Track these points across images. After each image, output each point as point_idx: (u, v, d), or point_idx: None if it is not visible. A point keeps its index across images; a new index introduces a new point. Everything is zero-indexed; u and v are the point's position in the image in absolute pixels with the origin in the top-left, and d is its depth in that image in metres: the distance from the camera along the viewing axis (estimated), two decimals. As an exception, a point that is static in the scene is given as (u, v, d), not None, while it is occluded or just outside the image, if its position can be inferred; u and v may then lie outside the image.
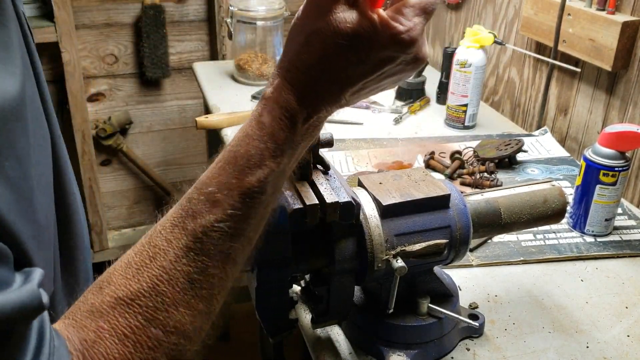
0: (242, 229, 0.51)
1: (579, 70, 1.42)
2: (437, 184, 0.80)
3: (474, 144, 1.42)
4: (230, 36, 1.86)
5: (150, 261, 0.47)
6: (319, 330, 0.85)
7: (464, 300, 0.92)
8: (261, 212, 0.53)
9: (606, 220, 1.09)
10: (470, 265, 1.02)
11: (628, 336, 0.88)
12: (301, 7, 0.54)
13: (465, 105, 1.51)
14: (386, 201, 0.75)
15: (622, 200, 1.19)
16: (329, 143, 0.72)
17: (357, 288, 0.83)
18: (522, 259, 1.04)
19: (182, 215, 0.51)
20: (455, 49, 1.53)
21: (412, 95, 1.71)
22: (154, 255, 0.48)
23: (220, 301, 0.51)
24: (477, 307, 0.92)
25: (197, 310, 0.48)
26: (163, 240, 0.49)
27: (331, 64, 0.52)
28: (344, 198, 0.68)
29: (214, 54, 2.36)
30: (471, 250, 1.05)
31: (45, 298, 0.39)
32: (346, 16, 0.50)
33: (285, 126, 0.52)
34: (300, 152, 0.55)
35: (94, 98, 2.31)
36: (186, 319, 0.46)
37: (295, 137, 0.53)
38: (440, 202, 0.78)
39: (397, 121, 1.59)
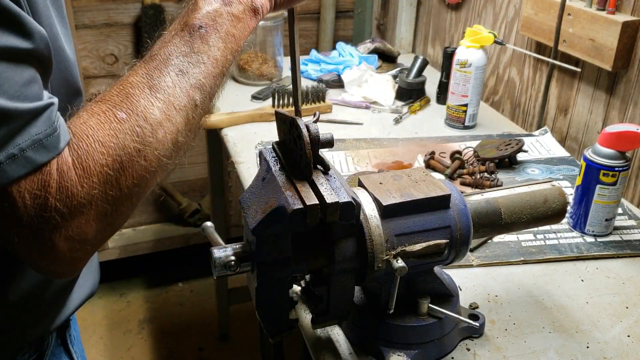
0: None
1: (579, 70, 1.42)
2: (437, 184, 0.80)
3: (474, 144, 1.42)
4: (230, 36, 1.86)
5: (127, 76, 0.65)
6: (319, 330, 0.85)
7: (464, 301, 0.92)
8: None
9: (606, 220, 1.09)
10: (471, 266, 1.02)
11: (628, 336, 0.88)
12: None
13: (466, 105, 1.51)
14: (386, 201, 0.75)
15: (623, 200, 1.19)
16: (329, 143, 0.72)
17: (357, 288, 0.83)
18: (522, 259, 1.04)
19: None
20: (456, 48, 1.53)
21: (412, 95, 1.71)
22: (128, 74, 0.65)
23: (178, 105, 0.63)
24: (477, 307, 0.92)
25: (157, 102, 0.61)
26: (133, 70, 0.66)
27: None
28: (344, 198, 0.68)
29: (214, 54, 2.35)
30: (471, 251, 1.05)
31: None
32: None
33: None
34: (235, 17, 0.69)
35: (94, 98, 2.31)
36: (147, 107, 0.61)
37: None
38: (441, 202, 0.78)
39: (397, 121, 1.59)
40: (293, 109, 0.80)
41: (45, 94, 0.57)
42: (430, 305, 0.80)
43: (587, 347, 0.85)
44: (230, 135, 1.49)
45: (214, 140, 1.91)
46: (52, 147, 0.54)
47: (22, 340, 0.77)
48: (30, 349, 0.79)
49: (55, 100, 0.57)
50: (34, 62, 0.56)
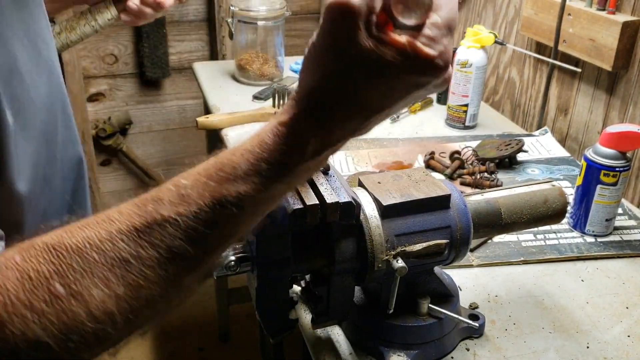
0: (200, 234, 0.47)
1: (579, 70, 1.42)
2: (437, 184, 0.80)
3: (475, 144, 1.42)
4: (231, 36, 1.86)
5: (94, 225, 0.46)
6: (319, 330, 0.85)
7: (464, 301, 0.92)
8: (229, 228, 0.49)
9: (607, 220, 1.09)
10: (471, 266, 1.02)
11: (628, 336, 0.88)
12: (315, 34, 0.48)
13: (466, 105, 1.51)
14: (386, 201, 0.75)
15: (623, 200, 1.19)
16: (329, 143, 0.72)
17: (357, 288, 0.83)
18: (522, 259, 1.04)
19: (147, 197, 0.48)
20: (456, 49, 1.52)
21: (412, 95, 1.70)
22: (101, 220, 0.46)
23: (149, 305, 0.47)
24: (477, 307, 0.92)
25: (114, 292, 0.44)
26: (116, 212, 0.47)
27: (360, 95, 0.48)
28: (344, 198, 0.68)
29: (214, 54, 2.36)
30: (471, 251, 1.05)
31: None
32: (371, 44, 0.46)
33: (290, 154, 0.48)
34: (298, 182, 0.52)
35: (94, 98, 2.31)
36: (96, 293, 0.44)
37: (297, 168, 0.49)
38: (441, 202, 0.78)
39: (394, 120, 1.58)
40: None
41: None
42: (430, 305, 0.80)
43: (587, 347, 0.85)
44: (231, 136, 1.49)
45: (214, 140, 1.91)
46: None
47: None
48: None
49: None
50: None
